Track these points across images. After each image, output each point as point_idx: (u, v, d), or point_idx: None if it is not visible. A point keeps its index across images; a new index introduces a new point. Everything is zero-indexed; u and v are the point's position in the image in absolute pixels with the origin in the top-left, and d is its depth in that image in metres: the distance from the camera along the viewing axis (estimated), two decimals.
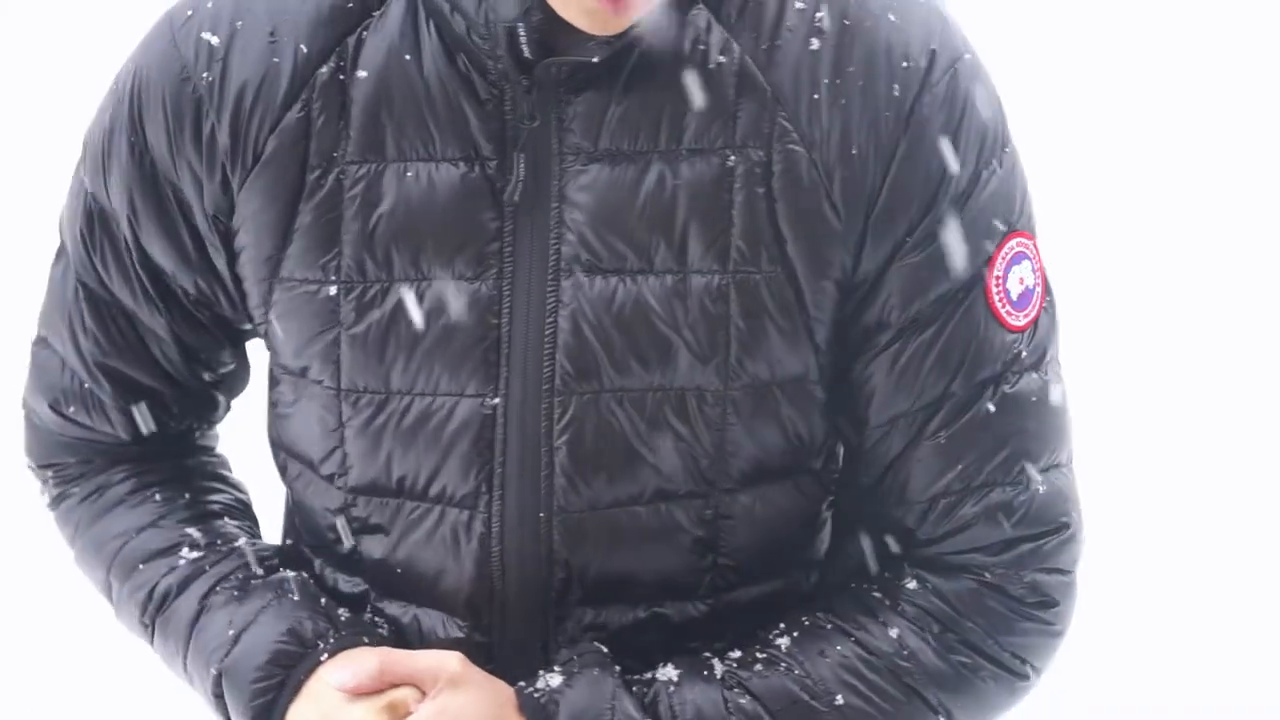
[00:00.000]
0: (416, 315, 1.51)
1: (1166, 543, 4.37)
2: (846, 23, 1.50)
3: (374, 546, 1.60)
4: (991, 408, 1.56)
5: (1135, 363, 5.07)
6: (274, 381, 1.64)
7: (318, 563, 1.68)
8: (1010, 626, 1.61)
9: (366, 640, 1.58)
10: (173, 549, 1.67)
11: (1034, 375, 1.58)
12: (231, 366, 1.71)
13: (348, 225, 1.51)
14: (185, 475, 1.74)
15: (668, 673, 1.57)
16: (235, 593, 1.61)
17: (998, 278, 1.55)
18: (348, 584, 1.65)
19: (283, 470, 1.68)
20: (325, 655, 1.56)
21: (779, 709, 1.55)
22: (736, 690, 1.56)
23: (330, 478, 1.60)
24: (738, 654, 1.59)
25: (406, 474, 1.55)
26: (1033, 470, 1.59)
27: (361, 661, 1.54)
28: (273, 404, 1.65)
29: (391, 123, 1.50)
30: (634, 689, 1.55)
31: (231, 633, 1.59)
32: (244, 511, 1.75)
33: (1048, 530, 1.61)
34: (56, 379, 1.69)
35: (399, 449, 1.54)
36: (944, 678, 1.59)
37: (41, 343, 1.71)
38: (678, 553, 1.56)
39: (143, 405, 1.68)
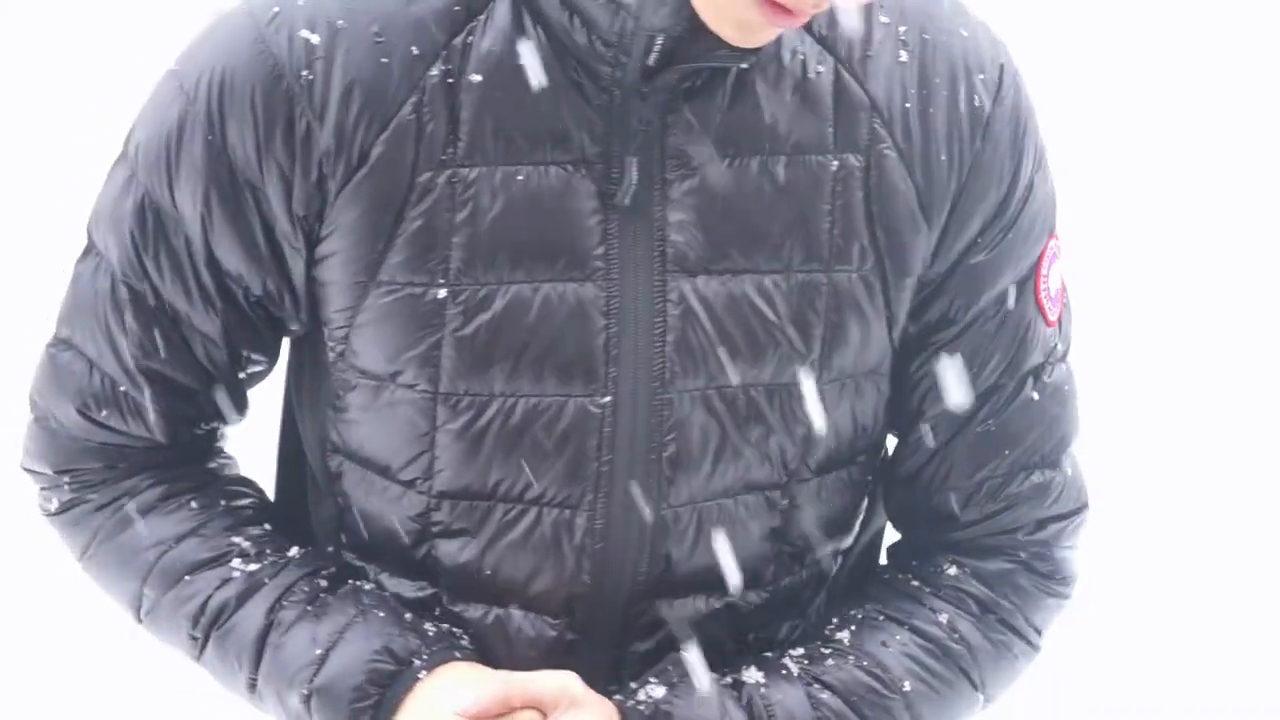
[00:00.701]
0: (526, 317, 1.52)
1: (1169, 541, 4.37)
2: (926, 37, 1.59)
3: (455, 550, 1.60)
4: (1035, 396, 1.67)
5: (1139, 362, 5.07)
6: (342, 387, 1.60)
7: (371, 569, 1.66)
8: (1038, 603, 1.72)
9: (458, 655, 1.58)
10: (221, 559, 1.64)
11: (1064, 365, 1.70)
12: (265, 365, 1.68)
13: (457, 228, 1.51)
14: (214, 480, 1.70)
15: (754, 675, 1.61)
16: (308, 607, 1.60)
17: (1044, 276, 1.66)
18: (412, 588, 1.63)
19: (335, 476, 1.65)
20: (423, 672, 1.56)
21: (857, 699, 1.61)
22: (816, 687, 1.61)
23: (411, 483, 1.59)
24: (802, 650, 1.65)
25: (505, 476, 1.56)
26: (1066, 454, 1.71)
27: (484, 685, 1.53)
28: (338, 410, 1.61)
29: (501, 126, 1.51)
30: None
31: (318, 651, 1.57)
32: (271, 514, 1.72)
33: (1074, 510, 1.73)
34: (84, 382, 1.64)
35: (500, 452, 1.55)
36: (987, 656, 1.68)
37: (63, 344, 1.65)
38: (755, 542, 1.62)
39: (181, 405, 1.64)
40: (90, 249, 1.63)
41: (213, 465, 1.71)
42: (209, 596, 1.63)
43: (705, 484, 1.57)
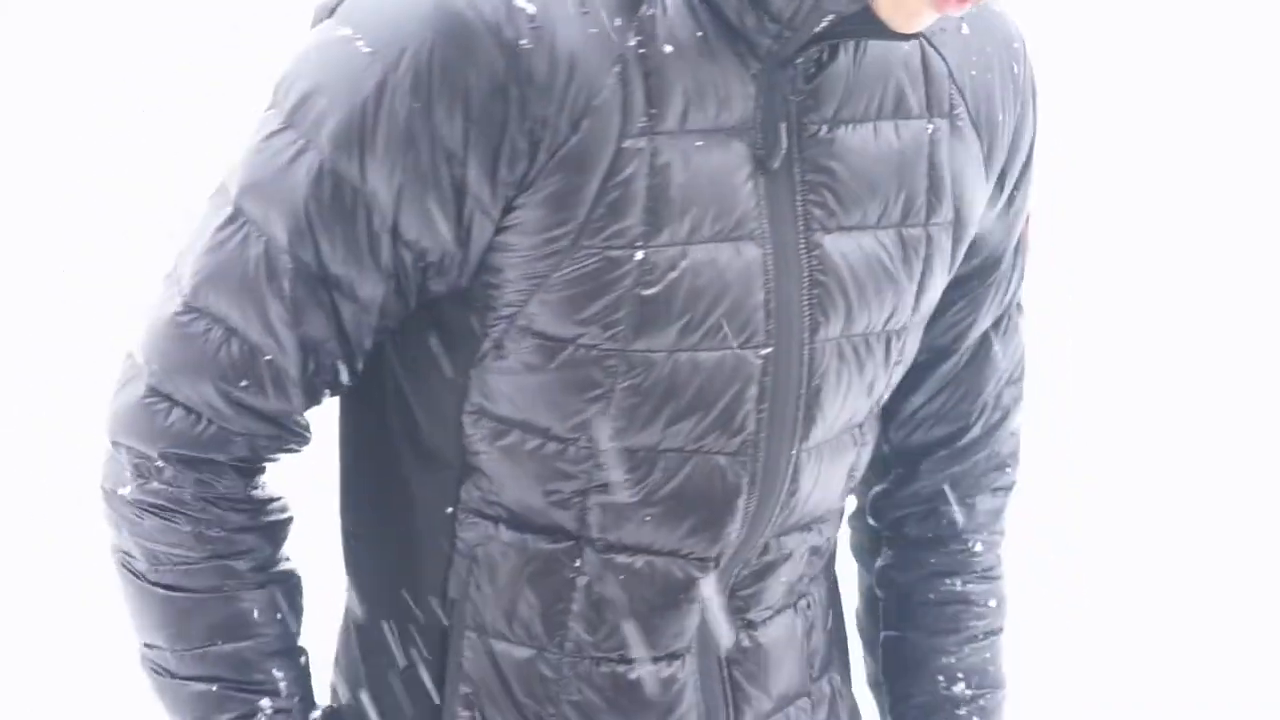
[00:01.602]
0: (701, 276, 1.60)
1: (1166, 540, 4.38)
2: (974, 10, 1.74)
3: (612, 503, 1.65)
4: (1021, 321, 1.89)
5: (1138, 361, 5.08)
6: (500, 351, 1.62)
7: (500, 526, 1.67)
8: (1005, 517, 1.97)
9: None
10: (255, 693, 1.66)
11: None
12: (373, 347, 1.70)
13: (651, 194, 1.57)
14: (289, 567, 1.70)
15: None
16: None
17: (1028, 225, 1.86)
18: (545, 541, 1.66)
19: (467, 440, 1.66)
20: None
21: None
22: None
23: (574, 440, 1.63)
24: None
25: (672, 428, 1.63)
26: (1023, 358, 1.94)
27: None
28: (490, 372, 1.63)
29: (685, 95, 1.58)
30: None
31: None
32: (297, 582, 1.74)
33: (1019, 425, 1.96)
34: (222, 353, 1.60)
35: (669, 404, 1.62)
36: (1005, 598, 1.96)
37: (196, 313, 1.61)
38: (838, 479, 1.75)
39: (322, 376, 1.63)
40: (238, 218, 1.60)
41: (286, 521, 1.70)
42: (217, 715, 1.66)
43: (830, 426, 1.69)
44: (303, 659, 1.69)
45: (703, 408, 1.63)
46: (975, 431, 1.88)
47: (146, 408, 1.62)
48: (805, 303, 1.63)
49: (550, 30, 1.54)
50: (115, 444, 1.64)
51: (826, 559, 1.82)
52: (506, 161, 1.55)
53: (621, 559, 1.67)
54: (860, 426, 1.74)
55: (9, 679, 3.85)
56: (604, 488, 1.64)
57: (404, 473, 1.70)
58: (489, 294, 1.60)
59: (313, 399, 1.63)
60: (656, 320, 1.59)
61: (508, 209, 1.57)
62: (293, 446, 1.65)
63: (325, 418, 1.67)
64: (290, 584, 1.69)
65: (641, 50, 1.56)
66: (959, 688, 1.91)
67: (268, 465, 1.67)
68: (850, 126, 1.65)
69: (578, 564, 1.66)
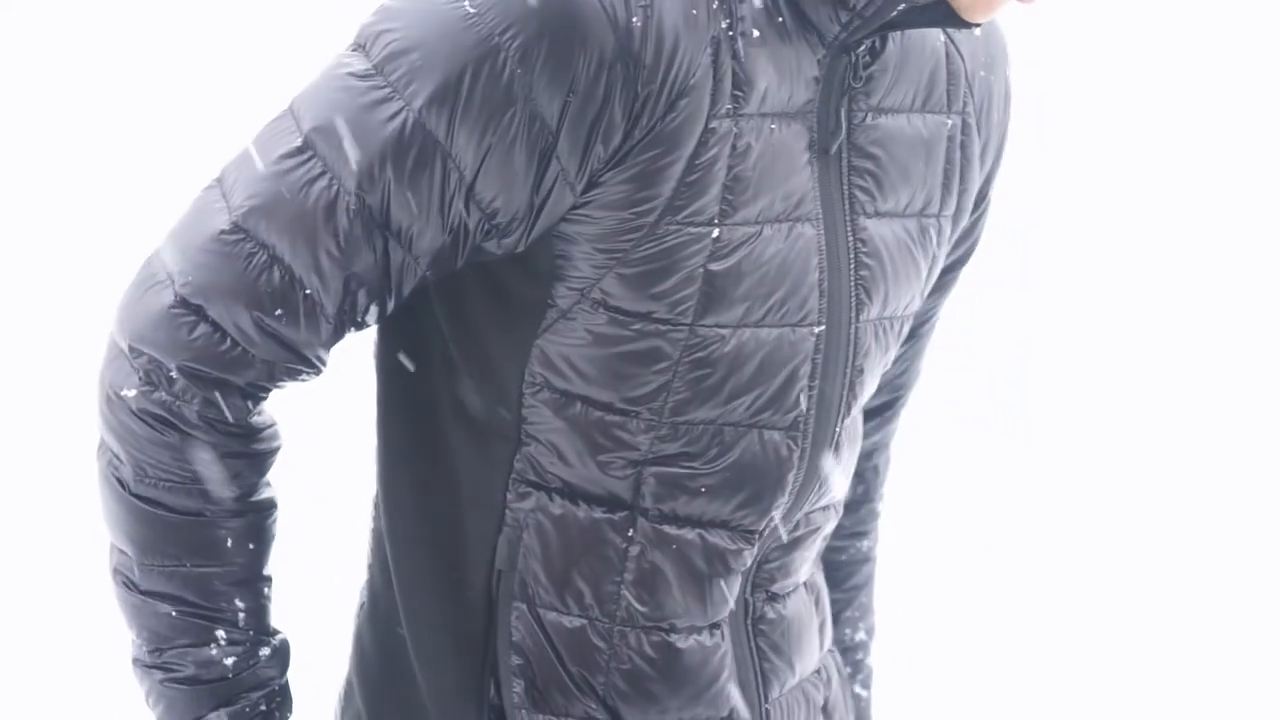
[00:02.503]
0: (766, 253, 1.64)
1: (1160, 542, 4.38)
2: None
3: (670, 473, 1.68)
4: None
5: (1134, 360, 5.09)
6: (570, 325, 1.64)
7: (553, 495, 1.69)
8: None
9: None
10: (213, 620, 1.67)
11: None
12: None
13: (732, 173, 1.61)
14: (269, 495, 1.71)
15: None
16: None
17: None
18: (600, 511, 1.69)
19: (526, 411, 1.67)
20: None
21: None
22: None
23: (637, 413, 1.66)
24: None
25: (733, 401, 1.67)
26: None
27: None
28: (554, 344, 1.64)
29: (767, 79, 1.62)
30: None
31: None
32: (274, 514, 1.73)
33: None
34: (262, 278, 1.59)
35: (734, 377, 1.66)
36: None
37: (245, 236, 1.59)
38: (854, 462, 1.82)
39: (353, 316, 1.62)
40: (306, 150, 1.58)
41: (276, 448, 1.70)
42: (173, 646, 1.66)
43: (857, 404, 1.76)
44: (266, 589, 1.69)
45: (762, 383, 1.67)
46: (905, 401, 2.01)
47: (173, 318, 1.61)
48: (852, 284, 1.69)
49: (659, 9, 1.56)
50: (132, 349, 1.62)
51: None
52: (602, 136, 1.56)
53: (673, 530, 1.69)
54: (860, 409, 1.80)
55: (9, 679, 3.86)
56: (663, 459, 1.68)
57: (450, 444, 1.71)
58: (558, 264, 1.62)
59: (339, 335, 1.63)
60: (725, 296, 1.63)
61: (593, 183, 1.58)
62: (306, 376, 1.65)
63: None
64: (266, 512, 1.69)
65: (731, 34, 1.59)
66: (860, 635, 2.08)
67: (274, 391, 1.66)
68: (890, 115, 1.70)
69: (630, 534, 1.69)
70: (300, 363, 1.63)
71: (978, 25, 1.64)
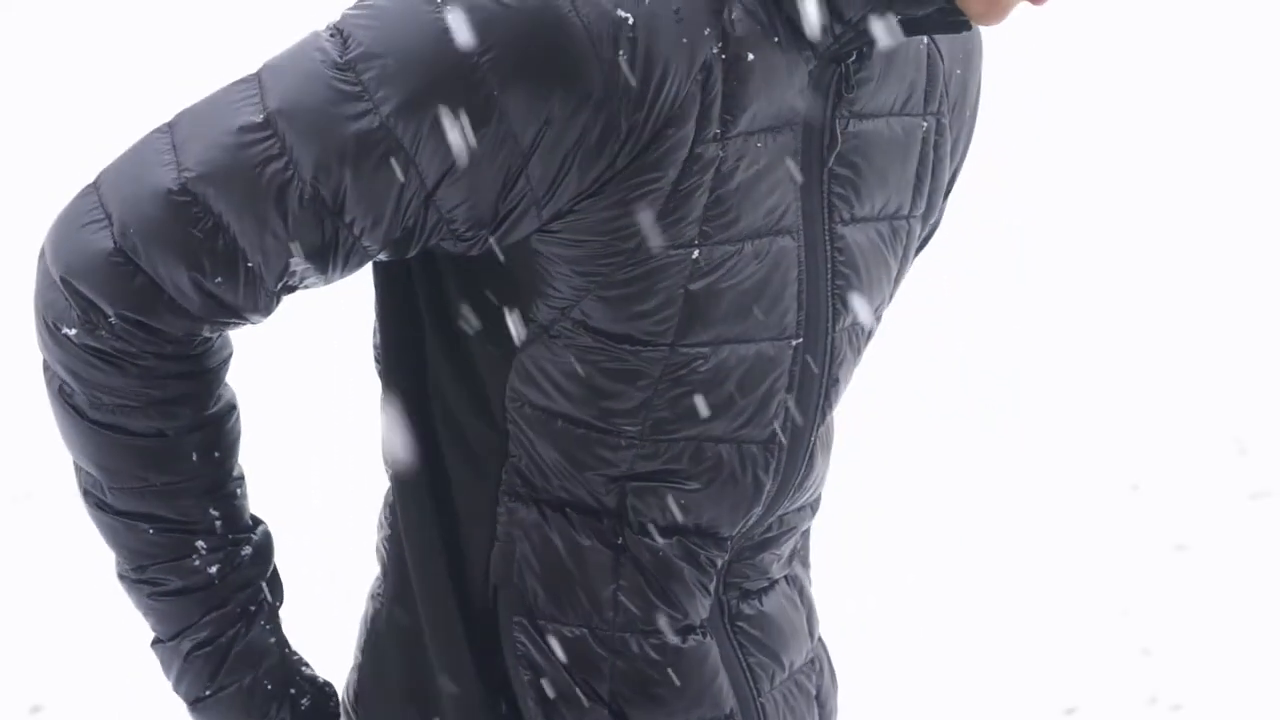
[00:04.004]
0: (745, 269, 1.62)
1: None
2: None
3: (651, 487, 1.68)
4: None
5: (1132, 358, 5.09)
6: (547, 343, 1.62)
7: (546, 510, 1.69)
8: None
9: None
10: (190, 532, 1.67)
11: None
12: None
13: (714, 195, 1.58)
14: (226, 399, 1.69)
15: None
16: (219, 640, 1.69)
17: None
18: (593, 520, 1.68)
19: (509, 424, 1.67)
20: None
21: None
22: None
23: (616, 429, 1.65)
24: None
25: (715, 416, 1.65)
26: None
27: None
28: (534, 361, 1.64)
29: (757, 100, 1.59)
30: None
31: (203, 693, 1.70)
32: (236, 416, 1.72)
33: None
34: (207, 244, 1.57)
35: (713, 394, 1.65)
36: None
37: (194, 200, 1.57)
38: (829, 464, 1.80)
39: (290, 284, 1.61)
40: (266, 128, 1.56)
41: (227, 358, 1.69)
42: (155, 562, 1.67)
43: (834, 410, 1.75)
44: (239, 489, 1.69)
45: (742, 398, 1.66)
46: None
47: (113, 266, 1.59)
48: (830, 294, 1.66)
49: (647, 39, 1.52)
50: (65, 282, 1.61)
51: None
52: (577, 166, 1.54)
53: (653, 540, 1.69)
54: (833, 414, 1.77)
55: (9, 678, 3.86)
56: (643, 475, 1.67)
57: (446, 462, 1.70)
58: (537, 281, 1.60)
59: (275, 302, 1.62)
60: (705, 315, 1.61)
61: (564, 211, 1.56)
62: (239, 326, 1.64)
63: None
64: (226, 416, 1.67)
65: (723, 56, 1.56)
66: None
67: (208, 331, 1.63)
68: (870, 120, 1.66)
69: (620, 541, 1.68)
70: (235, 319, 1.62)
71: (968, 27, 1.60)
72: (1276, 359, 5.10)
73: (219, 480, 1.67)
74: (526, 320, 1.62)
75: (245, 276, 1.59)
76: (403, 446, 1.71)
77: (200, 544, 1.66)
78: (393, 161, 1.54)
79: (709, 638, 1.72)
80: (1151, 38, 6.70)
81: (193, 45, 7.13)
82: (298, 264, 1.59)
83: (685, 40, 1.53)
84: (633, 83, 1.52)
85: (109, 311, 1.60)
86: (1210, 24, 6.59)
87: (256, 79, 1.57)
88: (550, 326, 1.61)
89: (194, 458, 1.65)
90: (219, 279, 1.58)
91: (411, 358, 1.70)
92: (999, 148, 5.44)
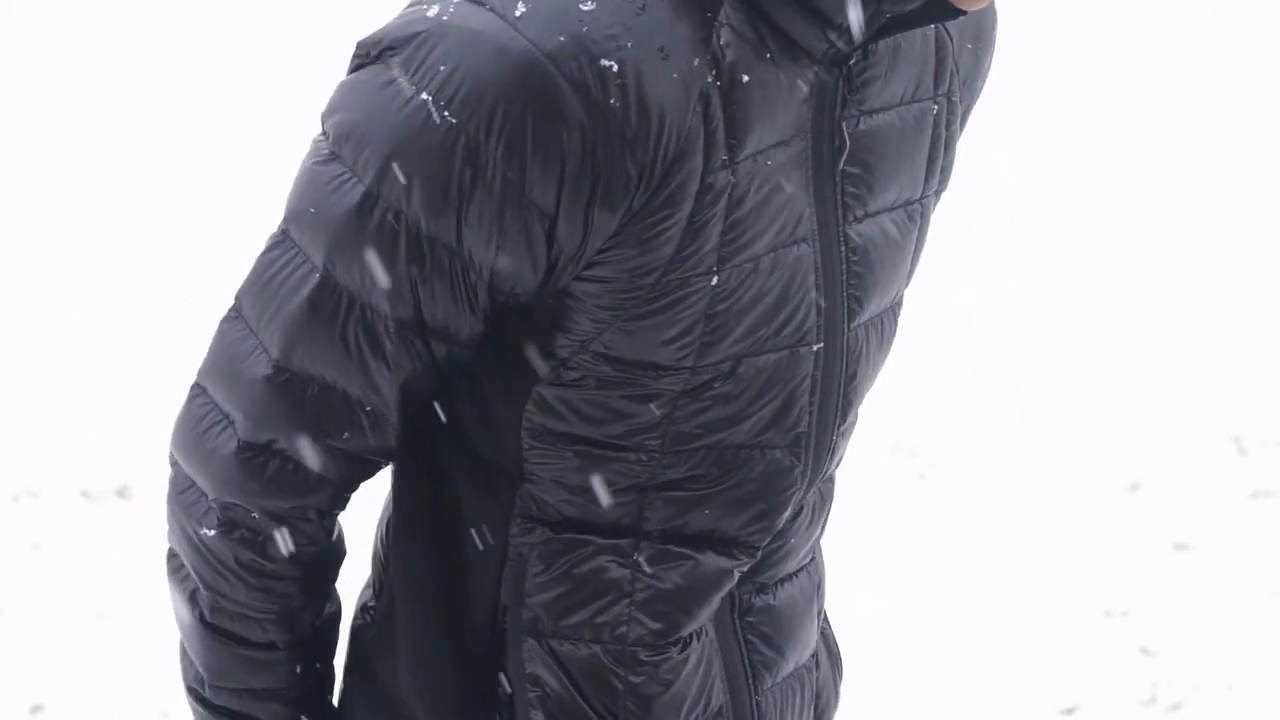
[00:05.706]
0: (764, 284, 1.61)
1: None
2: None
3: (678, 495, 1.67)
4: None
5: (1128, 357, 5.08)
6: (564, 374, 1.62)
7: (561, 530, 1.68)
8: None
9: None
10: None
11: None
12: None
13: (730, 219, 1.57)
14: (332, 610, 1.74)
15: None
16: None
17: None
18: (608, 537, 1.68)
19: (525, 455, 1.66)
20: None
21: None
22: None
23: (639, 445, 1.64)
24: None
25: (738, 426, 1.65)
26: None
27: None
28: (553, 391, 1.63)
29: (759, 120, 1.57)
30: None
31: None
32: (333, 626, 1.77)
33: None
34: (320, 409, 1.60)
35: (736, 404, 1.64)
36: None
37: (291, 375, 1.60)
38: (846, 445, 1.78)
39: (411, 411, 1.64)
40: (328, 283, 1.58)
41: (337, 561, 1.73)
42: None
43: (856, 408, 1.73)
44: (329, 698, 1.74)
45: (764, 406, 1.65)
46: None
47: (244, 462, 1.62)
48: (845, 294, 1.66)
49: (636, 82, 1.51)
50: (199, 486, 1.65)
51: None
52: (599, 215, 1.53)
53: (678, 548, 1.68)
54: (861, 403, 1.76)
55: (10, 678, 3.86)
56: (667, 484, 1.66)
57: (455, 485, 1.70)
58: (561, 319, 1.60)
59: (408, 429, 1.64)
60: (726, 335, 1.61)
61: (596, 257, 1.56)
62: (381, 467, 1.67)
63: None
64: (332, 627, 1.73)
65: (719, 83, 1.54)
66: None
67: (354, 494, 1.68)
68: (881, 115, 1.65)
69: (636, 557, 1.67)
70: (372, 466, 1.65)
71: (964, 12, 1.59)
72: (1276, 358, 5.10)
73: (314, 690, 1.73)
74: (545, 354, 1.61)
75: (368, 420, 1.61)
76: (411, 470, 1.71)
77: None
78: (445, 261, 1.55)
79: (706, 635, 1.71)
80: (1157, 17, 6.70)
81: (193, 45, 7.14)
82: (409, 390, 1.60)
83: (676, 75, 1.52)
84: (631, 126, 1.50)
85: (252, 509, 1.64)
86: (1200, 16, 6.58)
87: (288, 239, 1.59)
88: (570, 359, 1.61)
89: (297, 670, 1.70)
90: (345, 434, 1.61)
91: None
92: (999, 147, 5.44)
